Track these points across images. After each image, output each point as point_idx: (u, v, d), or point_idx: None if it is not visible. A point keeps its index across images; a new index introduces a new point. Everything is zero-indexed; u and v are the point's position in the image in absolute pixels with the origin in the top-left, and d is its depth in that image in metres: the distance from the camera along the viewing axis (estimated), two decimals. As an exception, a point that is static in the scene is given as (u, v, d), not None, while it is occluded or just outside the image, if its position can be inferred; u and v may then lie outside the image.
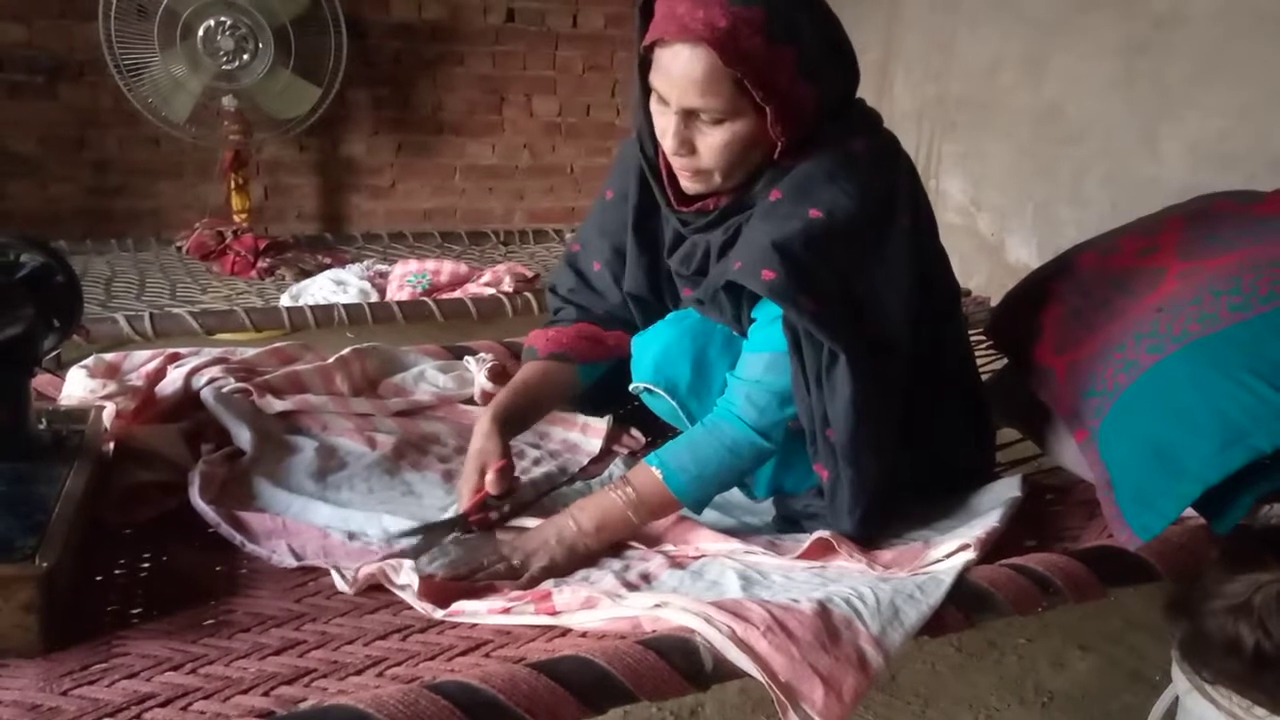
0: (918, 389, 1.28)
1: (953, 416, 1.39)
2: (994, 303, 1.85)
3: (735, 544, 1.21)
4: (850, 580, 1.12)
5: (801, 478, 1.31)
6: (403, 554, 1.17)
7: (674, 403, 1.32)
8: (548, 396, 1.45)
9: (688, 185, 1.26)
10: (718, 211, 1.27)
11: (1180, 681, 1.37)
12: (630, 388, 1.36)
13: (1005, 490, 1.34)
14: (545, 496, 1.37)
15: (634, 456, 1.51)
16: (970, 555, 1.13)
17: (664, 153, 1.26)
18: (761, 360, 1.22)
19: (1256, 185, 1.70)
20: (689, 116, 1.17)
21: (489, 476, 1.25)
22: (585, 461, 1.49)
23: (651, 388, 1.32)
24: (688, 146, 1.20)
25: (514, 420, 1.36)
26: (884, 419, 1.21)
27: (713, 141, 1.18)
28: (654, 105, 1.22)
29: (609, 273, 1.47)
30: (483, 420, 1.31)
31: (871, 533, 1.25)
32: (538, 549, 1.18)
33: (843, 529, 1.22)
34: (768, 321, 1.20)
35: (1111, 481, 1.25)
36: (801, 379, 1.18)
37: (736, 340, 1.28)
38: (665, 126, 1.20)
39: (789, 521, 1.34)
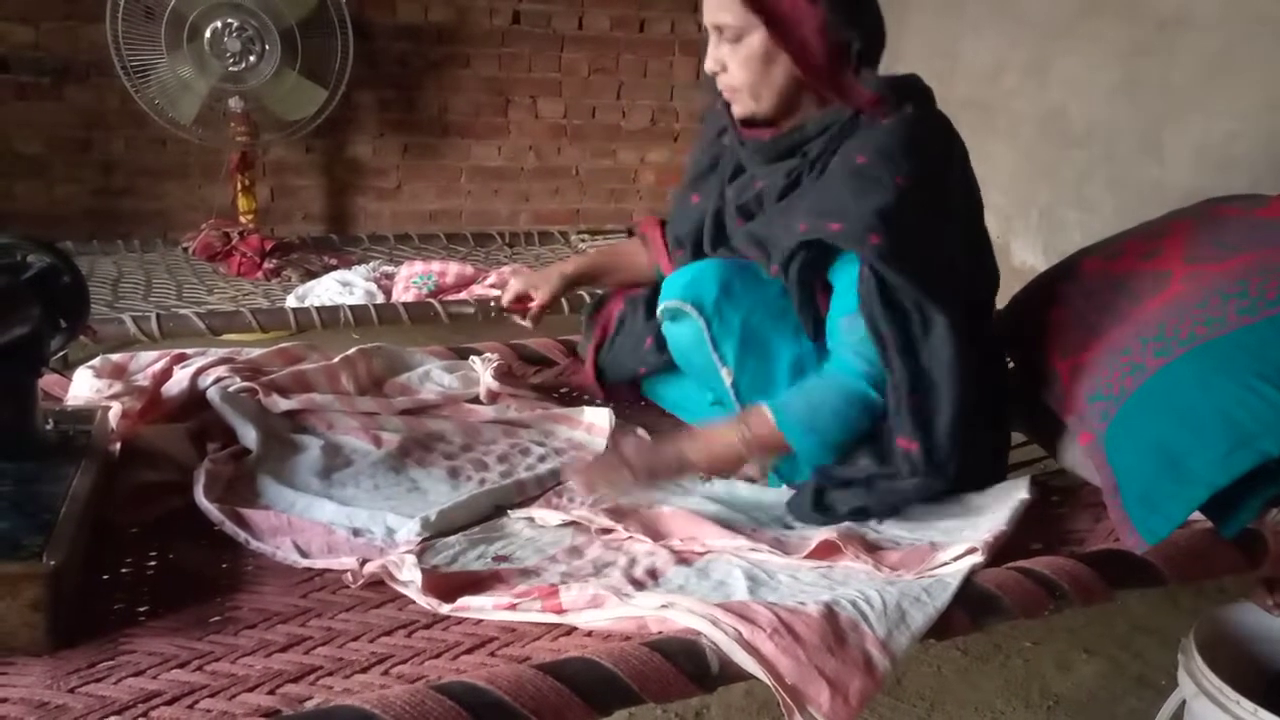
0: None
1: (980, 410, 1.37)
2: (999, 306, 1.85)
3: (742, 541, 1.21)
4: (857, 582, 1.12)
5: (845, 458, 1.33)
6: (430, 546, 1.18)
7: (701, 320, 1.35)
8: (623, 267, 1.70)
9: (735, 108, 1.39)
10: (770, 142, 1.38)
11: (1187, 686, 1.37)
12: (659, 310, 1.40)
13: (1012, 492, 1.33)
14: (551, 492, 1.37)
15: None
16: (978, 559, 1.13)
17: None
18: (860, 320, 1.26)
19: (1261, 188, 1.70)
20: (718, 36, 1.33)
21: (530, 310, 1.66)
22: (590, 459, 1.49)
23: (681, 306, 1.36)
24: (720, 64, 1.35)
25: (581, 278, 1.69)
26: (975, 379, 1.28)
27: (735, 59, 1.32)
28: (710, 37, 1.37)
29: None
30: (554, 266, 1.68)
31: (964, 487, 1.33)
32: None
33: (936, 488, 1.28)
34: (854, 284, 1.26)
35: (1118, 485, 1.25)
36: (889, 345, 1.24)
37: (767, 281, 1.36)
38: (708, 50, 1.36)
39: (823, 495, 1.32)
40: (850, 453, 1.32)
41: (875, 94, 1.29)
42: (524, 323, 1.69)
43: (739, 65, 1.33)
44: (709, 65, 1.36)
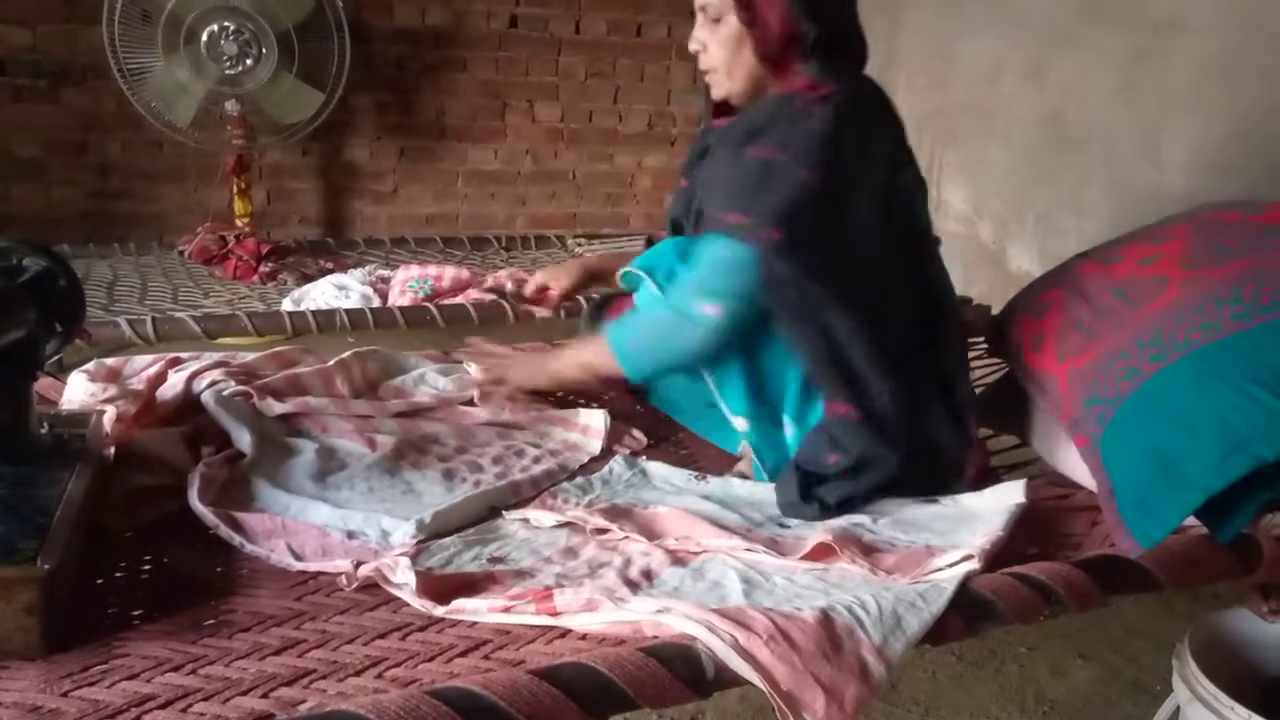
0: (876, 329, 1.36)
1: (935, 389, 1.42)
2: (995, 311, 1.85)
3: (737, 541, 1.21)
4: (853, 586, 1.12)
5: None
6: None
7: (653, 284, 1.42)
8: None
9: (713, 90, 1.48)
10: (729, 126, 1.44)
11: (1181, 691, 1.37)
12: (619, 279, 1.56)
13: (1008, 496, 1.33)
14: (546, 493, 1.37)
15: (634, 456, 1.51)
16: (974, 566, 1.13)
17: None
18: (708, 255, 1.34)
19: (1258, 193, 1.71)
20: (703, 16, 1.42)
21: (550, 298, 1.88)
22: (585, 460, 1.49)
23: (636, 272, 1.45)
24: (701, 44, 1.44)
25: (601, 274, 1.84)
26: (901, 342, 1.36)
27: (715, 38, 1.41)
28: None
29: None
30: (575, 260, 1.86)
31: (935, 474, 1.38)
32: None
33: (891, 458, 1.33)
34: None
35: (1113, 489, 1.25)
36: (793, 321, 1.32)
37: None
38: (693, 31, 1.45)
39: (809, 489, 1.34)
40: (819, 452, 1.35)
41: (808, 79, 1.36)
42: (543, 312, 1.87)
43: (718, 44, 1.41)
44: (692, 45, 1.45)
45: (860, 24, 1.43)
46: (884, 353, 1.35)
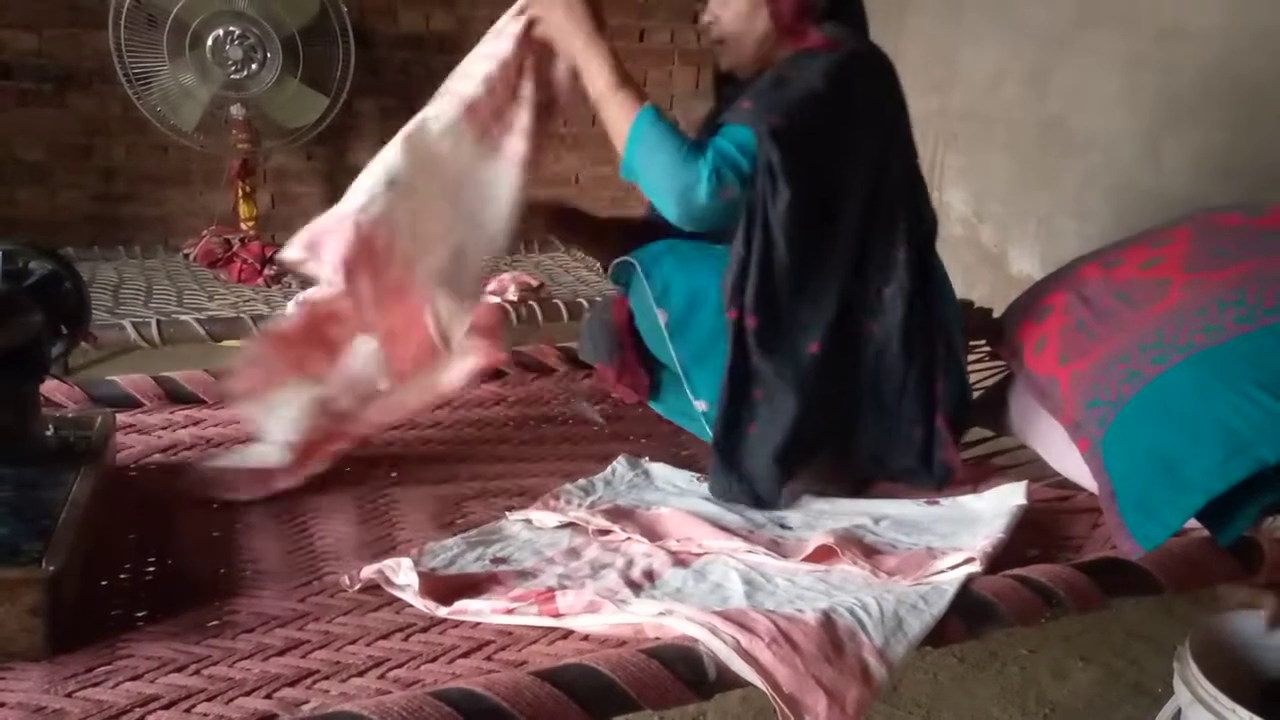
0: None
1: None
2: (996, 314, 1.85)
3: (738, 542, 1.22)
4: (854, 588, 1.12)
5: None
6: None
7: (639, 268, 1.46)
8: (615, 228, 1.75)
9: (721, 61, 1.53)
10: (745, 84, 1.47)
11: (1182, 693, 1.37)
12: (609, 273, 1.56)
13: (1009, 498, 1.34)
14: (549, 494, 1.37)
15: (635, 456, 1.52)
16: (975, 569, 1.13)
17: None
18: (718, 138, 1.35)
19: (1259, 198, 1.71)
20: None
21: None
22: None
23: (625, 259, 1.50)
24: (715, 17, 1.49)
25: (576, 217, 1.77)
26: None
27: (728, 11, 1.46)
28: None
29: None
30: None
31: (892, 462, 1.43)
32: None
33: (783, 378, 1.36)
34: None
35: (1114, 491, 1.25)
36: (756, 217, 1.34)
37: (710, 248, 1.47)
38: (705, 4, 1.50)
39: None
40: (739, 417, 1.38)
41: (826, 38, 1.41)
42: None
43: (726, 16, 1.47)
44: (705, 17, 1.50)
45: None
46: (821, 299, 1.38)
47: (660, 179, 1.36)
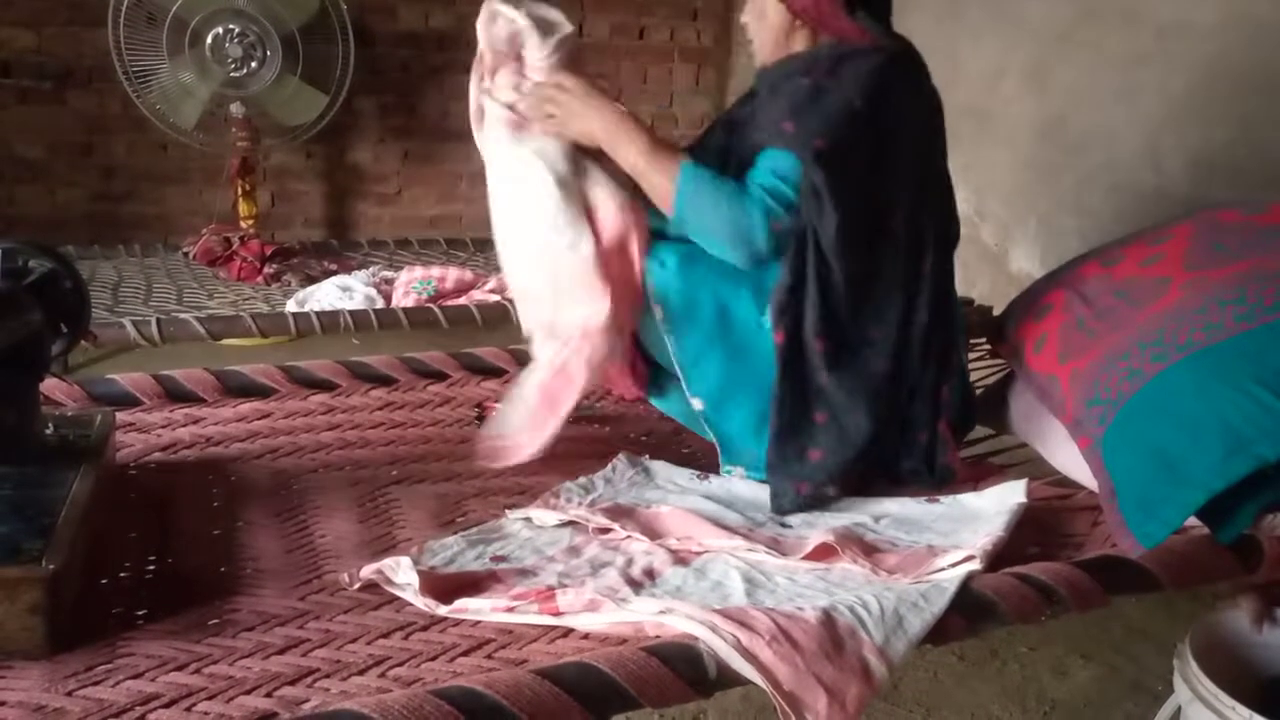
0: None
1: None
2: (997, 312, 1.85)
3: (738, 541, 1.22)
4: (854, 586, 1.12)
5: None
6: None
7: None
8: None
9: (756, 54, 1.53)
10: (782, 70, 1.47)
11: (1182, 691, 1.37)
12: None
13: (1010, 496, 1.34)
14: (549, 493, 1.37)
15: (635, 454, 1.51)
16: (975, 567, 1.13)
17: None
18: (781, 162, 1.36)
19: (1259, 195, 1.71)
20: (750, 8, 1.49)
21: None
22: None
23: None
24: (752, 18, 1.50)
25: None
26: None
27: (757, 31, 1.48)
28: None
29: None
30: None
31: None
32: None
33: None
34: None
35: (1115, 489, 1.25)
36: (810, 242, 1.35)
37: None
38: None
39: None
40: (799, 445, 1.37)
41: (861, 29, 1.41)
42: None
43: (756, 34, 1.49)
44: (744, 17, 1.53)
45: None
46: (886, 314, 1.39)
47: (716, 231, 1.37)
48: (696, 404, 1.46)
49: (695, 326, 1.43)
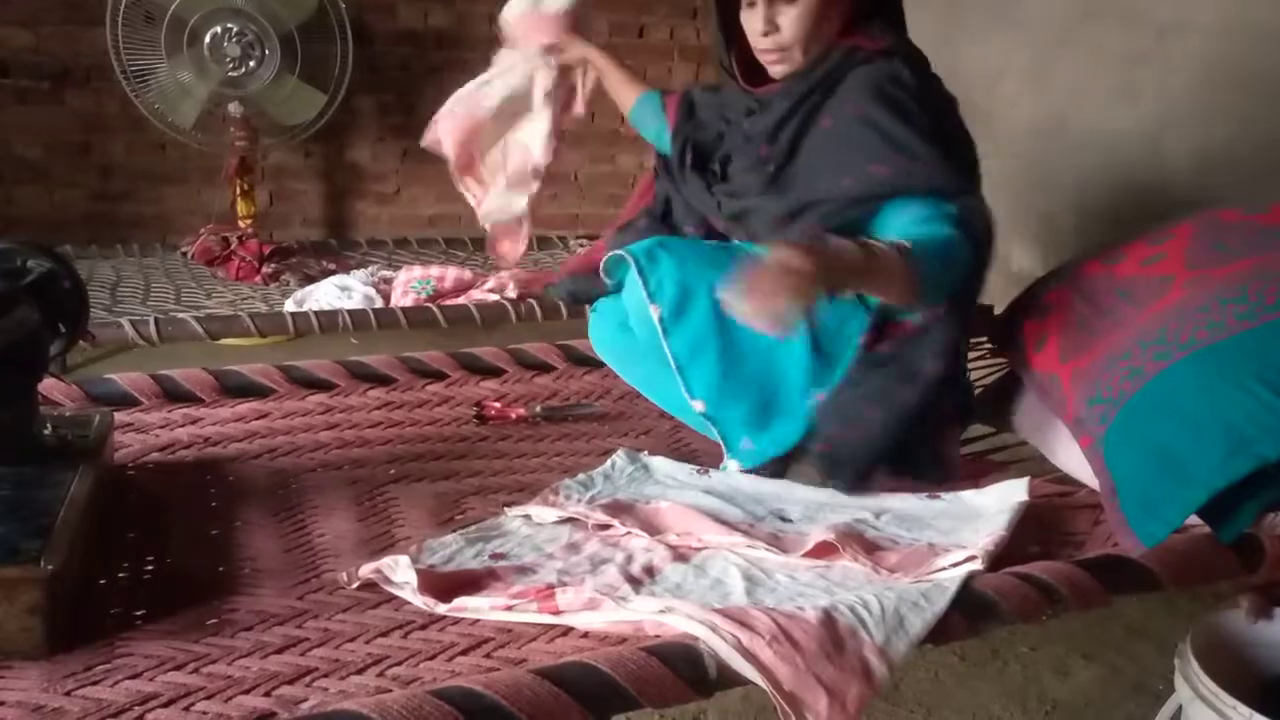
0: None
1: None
2: (998, 311, 1.85)
3: (738, 537, 1.21)
4: (855, 585, 1.12)
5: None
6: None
7: (632, 262, 1.46)
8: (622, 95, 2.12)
9: (775, 69, 1.51)
10: (794, 78, 1.49)
11: (1183, 691, 1.37)
12: (601, 267, 1.56)
13: (1011, 494, 1.33)
14: (548, 489, 1.36)
15: (634, 451, 1.51)
16: (977, 567, 1.13)
17: (734, 55, 1.57)
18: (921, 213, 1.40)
19: (1260, 195, 1.71)
20: (771, 3, 1.45)
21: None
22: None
23: (618, 252, 1.50)
24: (773, 25, 1.46)
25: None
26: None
27: (792, 15, 1.44)
28: (743, 12, 1.49)
29: None
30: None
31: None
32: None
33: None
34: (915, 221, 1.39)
35: (1116, 488, 1.25)
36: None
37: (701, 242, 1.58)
38: (752, 20, 1.48)
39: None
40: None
41: (882, 39, 1.47)
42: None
43: (795, 21, 1.45)
44: (760, 28, 1.46)
45: None
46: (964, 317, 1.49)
47: (958, 279, 1.43)
48: (697, 406, 1.45)
49: (691, 323, 1.43)
